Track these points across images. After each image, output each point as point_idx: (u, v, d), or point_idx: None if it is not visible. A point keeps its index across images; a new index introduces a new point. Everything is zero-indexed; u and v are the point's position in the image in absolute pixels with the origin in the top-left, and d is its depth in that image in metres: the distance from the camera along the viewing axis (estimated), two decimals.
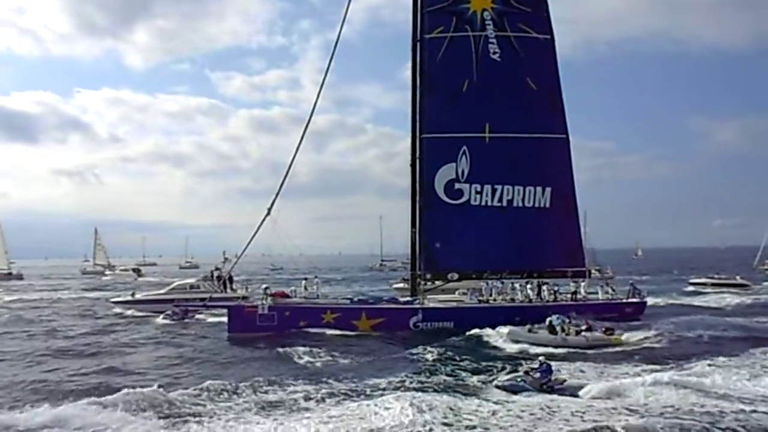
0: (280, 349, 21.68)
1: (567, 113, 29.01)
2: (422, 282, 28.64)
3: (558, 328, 21.93)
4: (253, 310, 26.17)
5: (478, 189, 28.35)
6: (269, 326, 25.48)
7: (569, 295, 28.87)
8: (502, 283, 29.23)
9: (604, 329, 23.01)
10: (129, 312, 34.21)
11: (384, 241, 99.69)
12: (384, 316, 26.38)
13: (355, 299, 29.17)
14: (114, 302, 37.12)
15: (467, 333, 24.01)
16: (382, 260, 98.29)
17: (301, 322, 25.77)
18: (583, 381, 15.74)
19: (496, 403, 13.60)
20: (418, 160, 28.69)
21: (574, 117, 28.56)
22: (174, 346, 23.43)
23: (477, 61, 28.16)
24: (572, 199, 28.95)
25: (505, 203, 28.41)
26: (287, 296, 27.73)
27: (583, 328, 22.57)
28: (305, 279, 29.76)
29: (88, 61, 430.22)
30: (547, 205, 28.54)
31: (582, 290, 29.24)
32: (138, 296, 36.79)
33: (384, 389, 15.35)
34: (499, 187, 28.37)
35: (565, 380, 15.22)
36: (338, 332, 24.95)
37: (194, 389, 15.05)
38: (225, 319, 27.32)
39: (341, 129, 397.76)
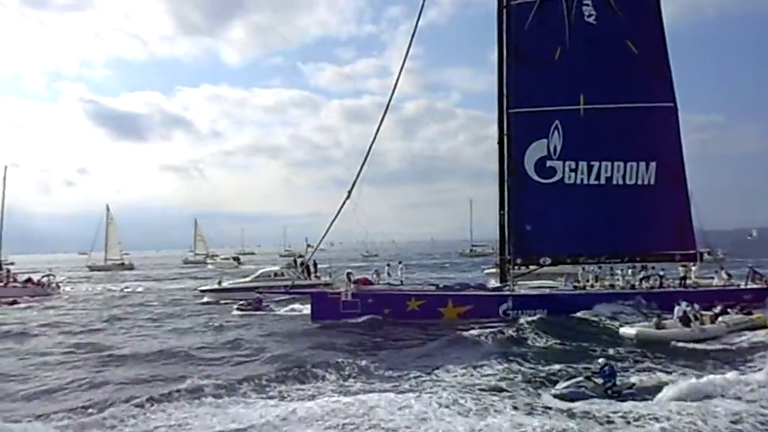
0: (359, 337, 21.61)
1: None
2: (513, 267, 26.85)
3: (691, 317, 19.06)
4: (336, 296, 25.52)
5: (573, 166, 26.06)
6: (353, 313, 24.70)
7: (678, 281, 26.08)
8: (600, 268, 26.92)
9: (739, 309, 20.39)
10: (216, 300, 34.67)
11: (474, 225, 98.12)
12: (471, 303, 24.87)
13: (441, 286, 27.84)
14: (202, 291, 37.95)
15: (559, 322, 22.04)
16: (472, 246, 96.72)
17: (385, 310, 24.77)
18: (660, 382, 13.58)
19: (548, 413, 11.67)
20: (505, 138, 26.81)
21: (677, 89, 25.64)
22: (263, 336, 22.94)
23: (570, 26, 25.70)
24: (681, 174, 26.01)
25: (603, 181, 25.96)
26: (370, 283, 26.95)
27: (717, 311, 19.90)
28: (388, 265, 28.86)
29: (189, 60, 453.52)
30: (652, 181, 25.81)
31: (692, 275, 26.37)
32: (224, 284, 37.39)
33: (432, 382, 14.43)
34: (596, 164, 25.93)
35: (633, 384, 13.26)
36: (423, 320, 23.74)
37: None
38: (295, 310, 27.83)
39: (430, 114, 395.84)
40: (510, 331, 20.90)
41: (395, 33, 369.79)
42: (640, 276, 25.97)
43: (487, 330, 21.10)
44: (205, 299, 35.76)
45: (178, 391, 13.59)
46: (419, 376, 15.06)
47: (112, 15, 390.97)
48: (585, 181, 26.05)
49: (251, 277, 37.23)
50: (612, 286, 26.08)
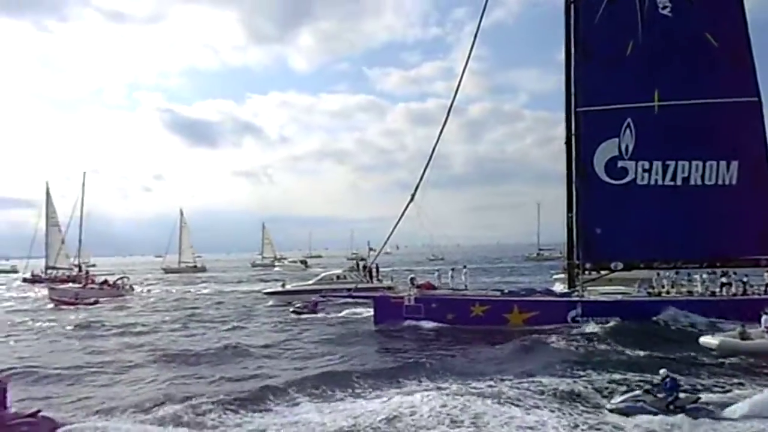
0: (431, 341, 21.61)
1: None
2: (582, 272, 25.78)
3: None
4: (399, 301, 25.30)
5: (646, 166, 24.72)
6: (416, 318, 24.45)
7: (763, 288, 24.30)
8: (677, 273, 25.47)
9: None
10: (285, 303, 35.11)
11: (542, 229, 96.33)
12: (538, 309, 24.02)
13: (506, 291, 27.08)
14: (266, 294, 38.64)
15: (632, 330, 20.95)
16: (539, 249, 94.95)
17: (448, 315, 24.35)
18: (734, 397, 12.48)
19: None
20: (573, 138, 25.80)
21: (763, 83, 24.01)
22: (330, 342, 22.73)
23: (643, 18, 24.40)
24: (766, 173, 24.29)
25: (679, 181, 24.50)
26: (433, 287, 26.59)
27: None
28: (452, 269, 28.42)
29: (259, 68, 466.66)
30: (734, 181, 24.17)
31: None
32: (288, 287, 37.96)
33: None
34: (671, 163, 24.50)
35: (698, 398, 12.08)
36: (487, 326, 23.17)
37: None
38: (355, 313, 28.02)
39: (497, 116, 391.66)
40: (583, 339, 20.19)
41: (460, 35, 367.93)
42: (721, 282, 24.40)
43: (558, 337, 20.56)
44: (271, 302, 36.35)
45: (270, 397, 13.64)
46: (506, 380, 14.72)
47: (186, 26, 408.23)
48: (659, 182, 24.67)
49: (314, 280, 37.68)
50: (690, 292, 24.60)
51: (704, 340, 18.50)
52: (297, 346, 21.71)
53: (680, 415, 11.21)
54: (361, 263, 36.31)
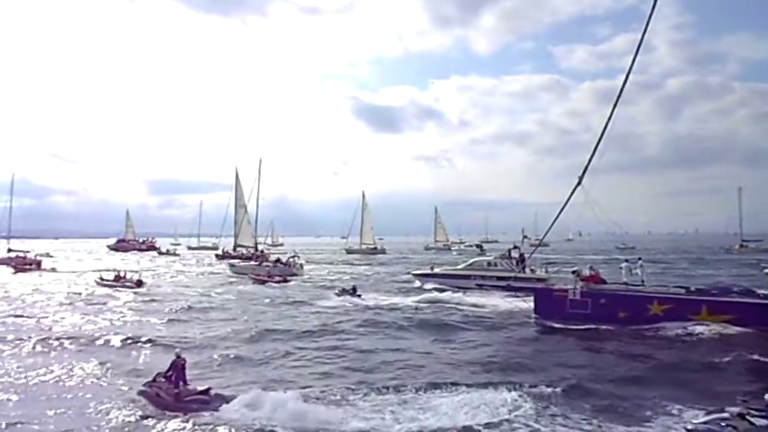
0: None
1: None
2: None
3: None
4: (563, 294, 22.93)
5: None
6: (581, 314, 21.98)
7: None
8: None
9: None
10: (426, 285, 34.84)
11: (747, 216, 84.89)
12: (734, 312, 20.25)
13: (693, 288, 23.20)
14: (414, 274, 38.90)
15: None
16: (743, 240, 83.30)
17: (620, 313, 21.57)
18: None
19: None
20: None
21: None
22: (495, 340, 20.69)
23: None
24: None
25: None
26: (602, 281, 23.70)
27: None
28: (626, 261, 25.15)
29: (441, 51, 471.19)
30: None
31: None
32: (437, 270, 37.58)
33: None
34: None
35: None
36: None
37: None
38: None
39: (700, 91, 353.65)
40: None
41: (660, 1, 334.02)
42: None
43: (746, 350, 16.81)
44: (418, 284, 36.20)
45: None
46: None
47: (374, 14, 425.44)
48: None
49: (463, 265, 37.02)
50: None
51: None
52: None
53: None
54: (513, 251, 34.32)
